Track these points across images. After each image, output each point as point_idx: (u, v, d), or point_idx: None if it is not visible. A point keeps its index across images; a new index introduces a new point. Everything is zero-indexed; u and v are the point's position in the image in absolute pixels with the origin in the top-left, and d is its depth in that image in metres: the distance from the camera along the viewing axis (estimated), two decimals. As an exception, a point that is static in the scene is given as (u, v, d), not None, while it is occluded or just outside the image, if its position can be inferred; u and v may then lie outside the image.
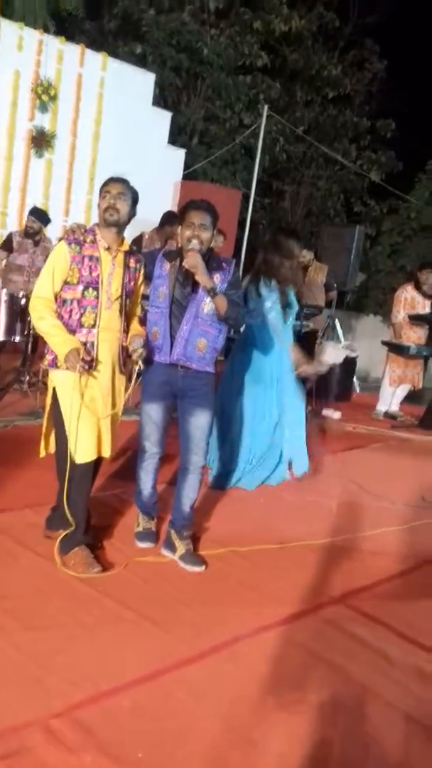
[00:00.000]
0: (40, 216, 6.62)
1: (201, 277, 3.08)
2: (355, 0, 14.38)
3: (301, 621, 2.94)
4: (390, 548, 3.87)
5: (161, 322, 3.22)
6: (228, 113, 12.63)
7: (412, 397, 7.94)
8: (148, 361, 3.21)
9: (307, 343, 5.41)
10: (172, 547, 3.35)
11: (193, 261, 3.05)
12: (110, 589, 2.95)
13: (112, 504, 3.90)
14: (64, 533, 3.06)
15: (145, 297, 3.38)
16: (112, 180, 3.06)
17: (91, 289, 2.99)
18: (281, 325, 4.47)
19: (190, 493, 3.37)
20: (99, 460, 3.15)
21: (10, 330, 5.92)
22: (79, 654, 2.49)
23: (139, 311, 3.34)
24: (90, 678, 2.35)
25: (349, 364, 8.15)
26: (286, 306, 4.49)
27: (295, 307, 4.59)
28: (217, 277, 3.20)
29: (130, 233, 6.05)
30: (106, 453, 3.12)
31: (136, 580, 3.08)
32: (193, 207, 3.18)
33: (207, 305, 3.19)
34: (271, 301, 4.39)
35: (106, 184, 3.06)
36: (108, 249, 3.04)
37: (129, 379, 3.19)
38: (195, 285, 3.17)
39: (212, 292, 3.11)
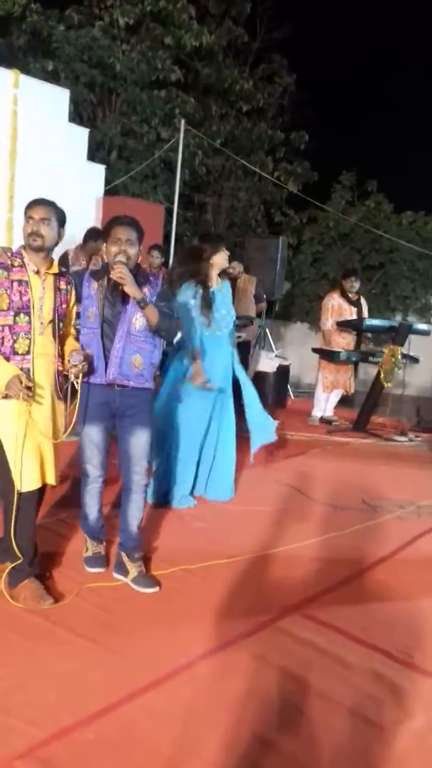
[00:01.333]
0: None
1: (130, 288, 3.05)
2: (263, 16, 14.72)
3: (258, 635, 2.93)
4: (337, 553, 3.92)
5: (93, 343, 3.18)
6: (145, 128, 12.65)
7: (344, 401, 8.12)
8: (85, 379, 3.15)
9: (240, 353, 5.43)
10: (123, 570, 3.29)
11: (121, 272, 3.02)
12: (63, 619, 2.87)
13: (57, 530, 3.80)
14: (11, 566, 2.95)
15: (79, 316, 3.32)
16: (35, 203, 2.98)
17: (22, 315, 2.91)
18: (197, 333, 4.27)
19: (135, 513, 3.32)
20: (43, 488, 3.07)
21: None
22: (38, 690, 2.40)
23: (73, 332, 3.27)
24: (51, 714, 2.27)
25: (282, 371, 8.26)
26: (207, 308, 4.29)
27: (226, 310, 4.43)
28: (146, 291, 3.18)
29: (55, 252, 5.96)
30: (51, 480, 3.04)
31: (89, 608, 3.01)
32: (118, 223, 3.15)
33: (138, 321, 3.16)
34: (191, 305, 4.27)
35: (29, 206, 2.97)
36: (37, 272, 2.96)
37: (66, 401, 3.13)
38: (125, 300, 3.14)
39: (143, 303, 3.09)
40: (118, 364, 3.16)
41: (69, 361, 3.04)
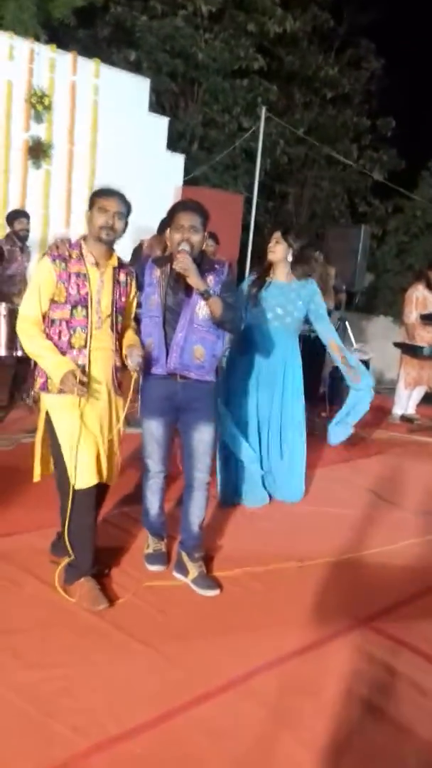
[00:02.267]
0: (25, 215, 6.41)
1: (193, 279, 2.88)
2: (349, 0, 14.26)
3: (324, 648, 2.72)
4: (414, 562, 3.64)
5: (155, 331, 3.03)
6: (226, 117, 12.49)
7: (427, 399, 7.70)
8: (146, 371, 3.04)
9: (317, 347, 5.18)
10: (183, 570, 3.15)
11: (184, 263, 2.86)
12: (119, 619, 2.75)
13: (120, 524, 3.70)
14: (65, 561, 2.86)
15: (140, 305, 3.19)
16: (110, 194, 2.83)
17: (80, 308, 2.79)
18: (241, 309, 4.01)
19: (197, 511, 3.17)
20: (104, 488, 2.95)
21: (11, 344, 5.72)
22: (86, 695, 2.28)
23: (133, 324, 3.13)
24: (97, 722, 2.15)
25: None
26: (255, 288, 4.13)
27: (288, 306, 4.16)
28: (211, 280, 3.01)
29: (129, 242, 5.87)
30: (108, 479, 2.91)
31: (146, 608, 2.88)
32: (182, 208, 2.99)
33: (201, 310, 2.99)
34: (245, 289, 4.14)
35: (100, 196, 2.83)
36: (96, 264, 2.83)
37: (126, 396, 2.99)
38: (188, 290, 2.98)
39: (206, 295, 2.91)
40: (179, 354, 3.01)
41: (126, 357, 2.90)
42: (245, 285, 4.20)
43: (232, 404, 4.23)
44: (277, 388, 4.27)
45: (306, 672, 2.54)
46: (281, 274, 4.18)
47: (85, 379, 2.70)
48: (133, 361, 2.86)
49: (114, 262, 2.90)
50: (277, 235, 4.11)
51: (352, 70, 14.14)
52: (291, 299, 4.17)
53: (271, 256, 4.14)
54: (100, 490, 2.94)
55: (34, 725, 2.11)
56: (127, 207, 2.85)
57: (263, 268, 4.22)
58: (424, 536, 4.00)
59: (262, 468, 4.29)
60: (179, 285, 2.98)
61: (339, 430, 4.47)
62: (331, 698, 2.39)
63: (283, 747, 2.13)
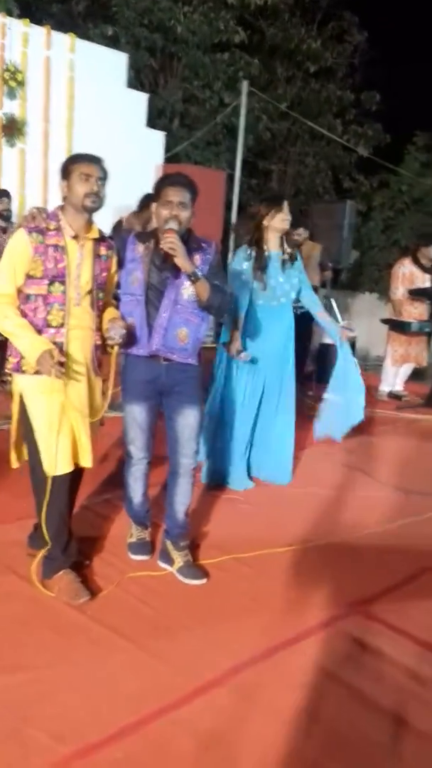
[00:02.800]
0: (7, 194, 6.19)
1: (181, 260, 2.73)
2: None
3: (315, 637, 2.61)
4: (406, 543, 3.54)
5: (137, 310, 2.88)
6: (207, 93, 12.22)
7: (415, 375, 7.60)
8: (127, 350, 2.90)
9: (304, 324, 5.05)
10: (168, 559, 3.02)
11: (172, 243, 2.70)
12: (102, 613, 2.63)
13: (101, 512, 3.57)
14: (42, 553, 2.72)
15: (119, 286, 3.03)
16: (89, 159, 2.65)
17: (57, 284, 2.62)
18: (244, 300, 3.93)
19: (182, 498, 3.04)
20: (79, 471, 2.81)
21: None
22: (65, 699, 2.16)
23: (113, 301, 2.98)
24: (77, 728, 2.03)
25: (349, 343, 7.80)
26: (261, 270, 3.94)
27: (284, 279, 4.02)
28: (197, 259, 2.86)
29: (108, 221, 5.68)
30: (86, 462, 2.77)
31: (130, 600, 2.75)
32: (170, 183, 2.82)
33: (187, 290, 2.84)
34: (243, 269, 3.95)
35: (79, 162, 2.64)
36: (75, 237, 2.66)
37: (106, 378, 2.84)
38: (174, 269, 2.81)
39: (193, 277, 2.76)
40: (163, 335, 2.85)
41: (107, 330, 2.75)
42: (239, 263, 3.99)
43: (229, 386, 4.10)
44: (279, 370, 4.15)
45: (297, 664, 2.43)
46: (276, 245, 4.02)
47: (63, 359, 2.55)
48: (116, 332, 2.70)
49: (94, 233, 2.73)
50: (286, 204, 3.95)
51: (335, 44, 13.84)
52: (290, 274, 4.04)
53: (286, 225, 3.97)
54: (76, 475, 2.80)
55: (9, 732, 1.99)
56: (106, 173, 2.69)
57: (255, 240, 3.98)
58: (415, 516, 3.89)
59: (251, 450, 4.17)
60: (165, 264, 2.81)
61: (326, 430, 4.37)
62: (324, 692, 2.29)
63: (272, 746, 2.02)
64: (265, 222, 3.93)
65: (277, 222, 3.94)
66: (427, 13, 16.05)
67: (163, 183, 2.85)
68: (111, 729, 2.03)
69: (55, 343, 2.60)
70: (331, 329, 4.30)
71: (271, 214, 3.91)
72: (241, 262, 3.96)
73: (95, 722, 2.05)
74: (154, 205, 2.87)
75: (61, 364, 2.53)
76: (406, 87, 14.59)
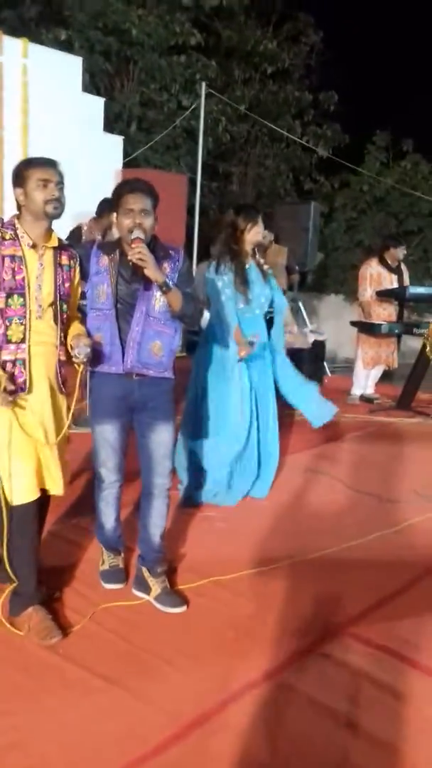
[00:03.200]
0: None
1: (151, 271, 2.59)
2: (285, -29, 13.93)
3: (300, 663, 2.49)
4: (389, 555, 3.45)
5: (106, 325, 2.73)
6: (165, 96, 12.08)
7: (384, 376, 7.56)
8: (94, 367, 2.76)
9: (272, 329, 4.94)
10: (145, 587, 2.87)
11: (141, 253, 2.55)
12: (75, 652, 2.47)
13: (70, 537, 3.40)
14: (9, 589, 2.56)
15: (84, 296, 2.87)
16: (45, 164, 2.50)
17: (16, 296, 2.46)
18: (233, 310, 3.84)
19: (158, 521, 2.89)
20: (46, 499, 2.65)
21: None
22: (39, 748, 2.01)
23: (78, 314, 2.83)
24: (53, 783, 1.88)
25: (317, 347, 7.75)
26: (243, 284, 3.85)
27: (260, 289, 3.94)
28: (166, 267, 2.73)
29: (65, 226, 5.50)
30: (54, 488, 2.61)
31: (105, 635, 2.60)
32: (129, 190, 2.67)
33: (158, 301, 2.71)
34: (221, 283, 3.85)
35: (35, 167, 2.48)
36: (34, 246, 2.51)
37: (71, 394, 2.68)
38: (144, 281, 2.68)
39: (165, 287, 2.63)
40: (137, 350, 2.71)
41: (71, 348, 2.60)
42: (214, 283, 3.87)
43: (206, 402, 3.97)
44: (265, 381, 4.04)
45: (280, 695, 2.30)
46: (249, 256, 3.93)
47: (11, 387, 2.39)
48: (81, 351, 2.54)
49: (54, 242, 2.57)
50: (259, 218, 3.87)
51: (291, 45, 13.83)
52: (265, 285, 3.96)
53: (261, 239, 3.93)
54: (42, 502, 2.63)
55: (-22, 794, 1.83)
56: (62, 176, 2.55)
57: (234, 255, 3.87)
58: (394, 526, 3.81)
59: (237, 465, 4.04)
60: (135, 276, 2.67)
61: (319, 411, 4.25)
62: (309, 722, 2.17)
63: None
64: (245, 236, 3.85)
65: (253, 235, 3.86)
66: (382, 11, 16.17)
67: (122, 190, 2.70)
68: (90, 782, 1.89)
69: (15, 361, 2.45)
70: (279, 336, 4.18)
71: (248, 227, 3.83)
72: (215, 281, 3.85)
73: (72, 776, 1.90)
74: (114, 215, 2.73)
75: (10, 392, 2.38)
76: (363, 86, 14.68)
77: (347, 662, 2.51)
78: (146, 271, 2.59)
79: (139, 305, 2.71)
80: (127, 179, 2.78)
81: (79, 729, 2.10)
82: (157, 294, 2.69)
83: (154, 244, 2.73)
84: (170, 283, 2.66)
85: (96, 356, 2.70)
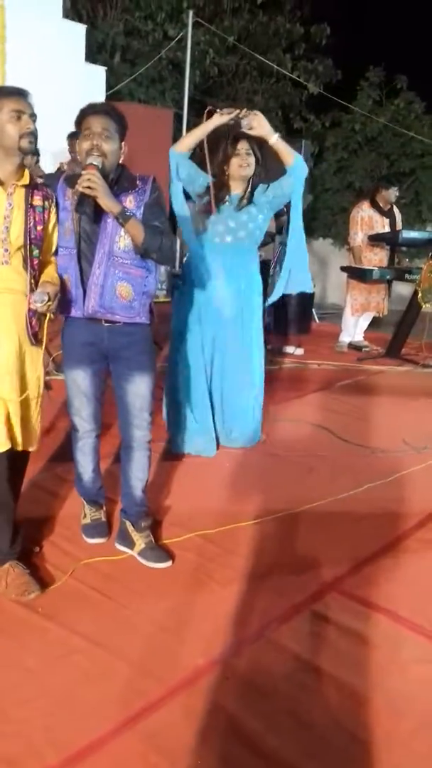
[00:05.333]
0: None
1: (103, 200, 2.34)
2: None
3: (291, 623, 2.41)
4: (379, 507, 3.37)
5: (71, 266, 2.51)
6: (150, 25, 11.47)
7: (373, 323, 7.42)
8: (65, 313, 2.57)
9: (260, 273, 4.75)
10: (128, 542, 2.77)
11: (90, 180, 2.31)
12: (56, 609, 2.37)
13: (50, 489, 3.28)
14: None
15: None
16: (17, 94, 2.25)
17: None
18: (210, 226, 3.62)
19: (139, 474, 2.76)
20: (20, 455, 2.48)
21: None
22: (18, 714, 1.91)
23: (53, 259, 2.60)
24: (31, 749, 1.79)
25: (305, 293, 7.55)
26: (220, 199, 3.60)
27: (241, 218, 3.65)
28: (131, 200, 2.49)
29: (46, 165, 5.21)
30: (26, 444, 2.45)
31: (87, 592, 2.50)
32: (91, 111, 2.42)
33: (123, 239, 2.48)
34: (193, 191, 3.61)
35: (6, 98, 2.23)
36: (2, 184, 2.29)
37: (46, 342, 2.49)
38: (100, 212, 2.44)
39: (121, 217, 2.38)
40: (99, 294, 2.50)
41: (31, 297, 2.37)
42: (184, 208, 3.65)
43: (182, 346, 3.81)
44: (239, 317, 3.83)
45: (270, 655, 2.23)
46: (240, 189, 3.67)
47: None
48: (36, 298, 2.28)
49: (26, 180, 2.33)
50: (246, 145, 3.59)
51: (282, -28, 13.15)
52: (245, 209, 3.67)
53: (245, 171, 3.60)
54: (18, 457, 2.48)
55: None
56: (33, 107, 2.31)
57: (219, 187, 3.61)
58: (382, 478, 3.72)
59: (214, 414, 3.92)
60: (81, 207, 2.39)
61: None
62: (300, 683, 2.10)
63: (248, 756, 1.82)
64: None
65: (237, 167, 3.62)
66: None
67: (83, 113, 2.45)
68: (71, 749, 1.80)
69: None
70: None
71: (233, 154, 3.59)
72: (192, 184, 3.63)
73: (51, 741, 1.82)
74: (77, 143, 2.51)
75: None
76: (357, 20, 14.05)
77: (342, 623, 2.42)
78: (98, 200, 2.35)
79: (101, 244, 2.48)
80: (91, 102, 2.51)
81: (59, 693, 2.00)
82: (121, 231, 2.47)
83: (120, 172, 2.50)
84: (128, 212, 2.42)
85: (66, 303, 2.52)
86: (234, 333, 3.85)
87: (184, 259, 4.00)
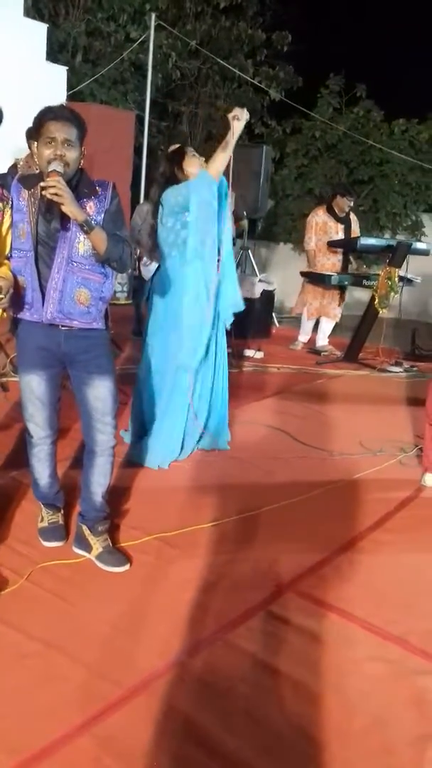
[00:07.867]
0: None
1: (69, 207, 2.31)
2: None
3: (247, 623, 2.43)
4: (336, 508, 3.42)
5: (27, 269, 2.48)
6: (112, 26, 11.46)
7: (333, 328, 7.51)
8: (18, 313, 2.55)
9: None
10: (86, 546, 2.75)
11: (56, 188, 2.27)
12: (11, 613, 2.35)
13: (6, 492, 3.24)
14: None
15: None
16: None
17: None
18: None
19: (100, 479, 2.74)
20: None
21: None
22: (-31, 720, 1.89)
23: (6, 261, 2.57)
24: (-15, 757, 1.77)
25: (266, 297, 7.62)
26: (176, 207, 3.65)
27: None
28: (91, 207, 2.47)
29: (3, 163, 5.15)
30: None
31: (43, 596, 2.48)
32: (52, 117, 2.37)
33: (82, 244, 2.46)
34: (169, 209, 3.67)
35: None
36: None
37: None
38: (64, 219, 2.42)
39: (87, 226, 2.36)
40: (58, 300, 2.48)
41: None
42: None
43: (150, 350, 3.82)
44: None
45: (228, 658, 2.24)
46: None
47: None
48: None
49: None
50: (192, 150, 3.76)
51: (245, -22, 13.24)
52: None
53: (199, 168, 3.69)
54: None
55: None
56: None
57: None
58: (342, 478, 3.78)
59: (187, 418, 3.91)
60: (50, 215, 2.40)
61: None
62: (257, 683, 2.11)
63: (208, 761, 1.83)
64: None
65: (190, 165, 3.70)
66: None
67: (43, 117, 2.39)
68: (24, 753, 1.78)
69: None
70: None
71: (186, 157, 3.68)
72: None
73: (5, 746, 1.80)
74: (35, 144, 2.47)
75: None
76: (318, 28, 14.20)
77: (298, 624, 2.45)
78: (63, 208, 2.31)
79: (60, 248, 2.46)
80: (50, 106, 2.47)
81: (12, 697, 1.99)
82: (81, 236, 2.45)
83: (79, 178, 2.47)
84: (93, 222, 2.41)
85: (20, 303, 2.50)
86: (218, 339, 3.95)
87: (150, 266, 3.99)
